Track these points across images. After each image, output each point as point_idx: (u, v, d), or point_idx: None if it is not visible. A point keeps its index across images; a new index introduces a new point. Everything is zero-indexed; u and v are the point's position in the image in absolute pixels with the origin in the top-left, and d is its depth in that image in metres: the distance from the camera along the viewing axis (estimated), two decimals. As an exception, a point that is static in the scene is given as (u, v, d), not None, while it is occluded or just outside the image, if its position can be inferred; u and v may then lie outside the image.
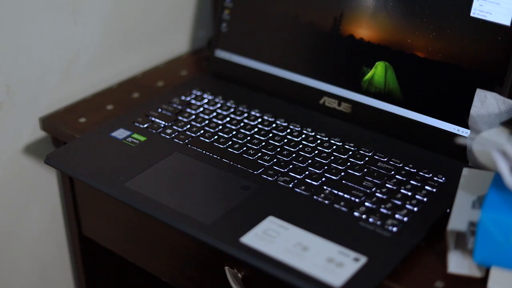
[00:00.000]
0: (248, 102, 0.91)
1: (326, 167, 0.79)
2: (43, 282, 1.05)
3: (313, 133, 0.85)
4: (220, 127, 0.87)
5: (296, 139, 0.84)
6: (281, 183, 0.76)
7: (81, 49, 0.98)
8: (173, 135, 0.85)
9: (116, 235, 0.92)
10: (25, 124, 0.95)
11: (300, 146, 0.83)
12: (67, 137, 0.91)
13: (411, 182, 0.76)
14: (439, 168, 0.78)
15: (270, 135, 0.85)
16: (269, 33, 0.93)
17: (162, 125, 0.87)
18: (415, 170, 0.78)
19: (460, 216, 0.65)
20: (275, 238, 0.68)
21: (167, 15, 1.08)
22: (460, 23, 0.78)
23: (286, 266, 0.65)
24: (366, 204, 0.73)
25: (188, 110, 0.91)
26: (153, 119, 0.89)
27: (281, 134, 0.85)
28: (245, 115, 0.89)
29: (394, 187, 0.75)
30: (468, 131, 0.78)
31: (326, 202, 0.73)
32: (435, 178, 0.76)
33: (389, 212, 0.71)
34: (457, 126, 0.80)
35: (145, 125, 0.87)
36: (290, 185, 0.76)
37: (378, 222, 0.70)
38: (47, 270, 1.05)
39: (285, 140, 0.84)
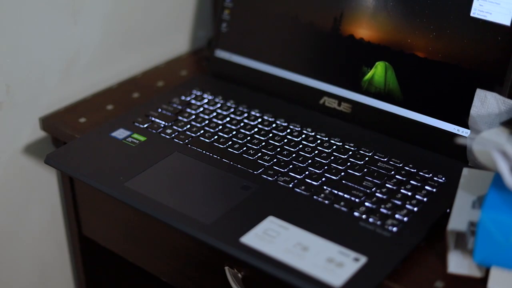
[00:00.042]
0: (248, 102, 0.91)
1: (326, 167, 0.79)
2: (43, 282, 1.05)
3: (313, 133, 0.85)
4: (220, 127, 0.87)
5: (296, 139, 0.84)
6: (281, 183, 0.76)
7: (81, 49, 0.98)
8: (173, 135, 0.85)
9: (116, 235, 0.92)
10: (25, 124, 0.95)
11: (300, 146, 0.83)
12: (67, 137, 0.91)
13: (411, 182, 0.76)
14: (439, 168, 0.78)
15: (270, 135, 0.85)
16: (269, 33, 0.93)
17: (162, 125, 0.87)
18: (415, 170, 0.78)
19: (460, 216, 0.65)
20: (275, 238, 0.68)
21: (167, 15, 1.08)
22: (460, 23, 0.78)
23: (286, 266, 0.65)
24: (366, 204, 0.73)
25: (188, 110, 0.91)
26: (153, 119, 0.89)
27: (281, 134, 0.85)
28: (245, 115, 0.89)
29: (394, 187, 0.75)
30: (468, 131, 0.78)
31: (326, 202, 0.73)
32: (435, 178, 0.76)
33: (389, 212, 0.71)
34: (457, 126, 0.80)
35: (145, 125, 0.87)
36: (290, 185, 0.76)
37: (378, 222, 0.70)
38: (47, 270, 1.05)
39: (285, 140, 0.84)
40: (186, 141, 0.84)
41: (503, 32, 0.76)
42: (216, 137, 0.85)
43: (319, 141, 0.83)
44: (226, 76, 0.97)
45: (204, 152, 0.82)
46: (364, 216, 0.71)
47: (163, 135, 0.86)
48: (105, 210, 0.92)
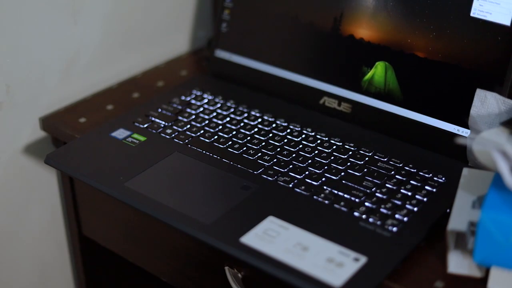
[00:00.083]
0: (248, 102, 0.91)
1: (326, 167, 0.79)
2: (43, 282, 1.05)
3: (313, 133, 0.85)
4: (220, 127, 0.87)
5: (296, 139, 0.84)
6: (281, 183, 0.76)
7: (81, 49, 0.98)
8: (173, 135, 0.85)
9: (116, 235, 0.92)
10: (25, 124, 0.95)
11: (300, 146, 0.83)
12: (67, 137, 0.91)
13: (411, 182, 0.76)
14: (439, 168, 0.78)
15: (270, 135, 0.85)
16: (269, 33, 0.93)
17: (162, 125, 0.87)
18: (415, 170, 0.78)
19: (460, 216, 0.65)
20: (275, 238, 0.68)
21: (167, 15, 1.08)
22: (460, 23, 0.78)
23: (286, 266, 0.65)
24: (366, 204, 0.73)
25: (188, 110, 0.91)
26: (153, 119, 0.89)
27: (281, 134, 0.85)
28: (245, 115, 0.89)
29: (394, 187, 0.75)
30: (468, 131, 0.78)
31: (326, 202, 0.73)
32: (435, 178, 0.76)
33: (389, 212, 0.71)
34: (457, 126, 0.80)
35: (145, 125, 0.87)
36: (290, 185, 0.76)
37: (378, 222, 0.70)
38: (47, 270, 1.05)
39: (285, 140, 0.84)
40: (186, 141, 0.84)
41: (503, 32, 0.76)
42: (216, 137, 0.85)
43: (319, 141, 0.83)
44: (226, 76, 0.97)
45: (204, 152, 0.82)
46: (364, 216, 0.71)
47: (163, 135, 0.86)
48: (105, 210, 0.92)
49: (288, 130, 0.85)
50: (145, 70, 1.06)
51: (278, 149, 0.82)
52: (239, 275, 0.76)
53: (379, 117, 0.85)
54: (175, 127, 0.87)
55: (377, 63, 0.84)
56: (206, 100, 0.93)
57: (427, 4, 0.80)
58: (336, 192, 0.75)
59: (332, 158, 0.80)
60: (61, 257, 1.06)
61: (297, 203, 0.74)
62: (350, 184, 0.76)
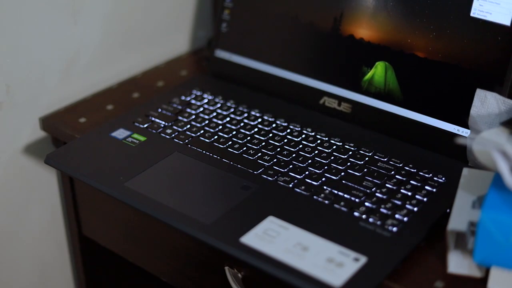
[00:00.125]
0: (248, 102, 0.91)
1: (326, 167, 0.79)
2: (43, 282, 1.05)
3: (313, 133, 0.85)
4: (220, 127, 0.87)
5: (296, 139, 0.84)
6: (281, 183, 0.76)
7: (81, 49, 0.98)
8: (173, 135, 0.85)
9: (116, 235, 0.92)
10: (25, 124, 0.95)
11: (300, 146, 0.83)
12: (67, 137, 0.91)
13: (411, 182, 0.76)
14: (439, 168, 0.78)
15: (270, 135, 0.85)
16: (269, 33, 0.93)
17: (162, 125, 0.87)
18: (415, 170, 0.78)
19: (460, 216, 0.65)
20: (275, 238, 0.68)
21: (167, 15, 1.08)
22: (460, 23, 0.78)
23: (286, 266, 0.65)
24: (366, 204, 0.73)
25: (188, 110, 0.91)
26: (153, 119, 0.89)
27: (281, 134, 0.85)
28: (245, 115, 0.89)
29: (394, 187, 0.75)
30: (468, 131, 0.78)
31: (326, 202, 0.73)
32: (435, 178, 0.76)
33: (389, 212, 0.71)
34: (457, 126, 0.80)
35: (145, 125, 0.87)
36: (290, 185, 0.76)
37: (378, 222, 0.70)
38: (47, 270, 1.05)
39: (285, 140, 0.84)
40: (186, 141, 0.84)
41: (503, 32, 0.76)
42: (216, 137, 0.85)
43: (319, 141, 0.83)
44: (226, 76, 0.97)
45: (204, 152, 0.82)
46: (364, 216, 0.71)
47: (163, 135, 0.86)
48: (105, 210, 0.92)
49: (288, 130, 0.85)
50: (145, 70, 1.06)
51: (278, 149, 0.82)
52: (239, 275, 0.76)
53: (379, 117, 0.85)
54: (175, 127, 0.87)
55: (377, 63, 0.84)
56: (206, 100, 0.93)
57: (427, 4, 0.80)
58: (336, 192, 0.75)
59: (332, 158, 0.80)
60: (61, 257, 1.06)
61: (297, 203, 0.74)
62: (350, 184, 0.76)
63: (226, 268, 0.76)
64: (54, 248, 1.04)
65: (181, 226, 0.71)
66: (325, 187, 0.76)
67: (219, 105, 0.91)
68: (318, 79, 0.89)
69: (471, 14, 0.78)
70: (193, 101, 0.93)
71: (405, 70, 0.83)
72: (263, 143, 0.83)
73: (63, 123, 0.92)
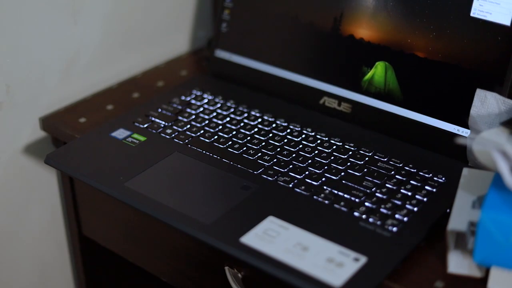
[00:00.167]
0: (248, 102, 0.91)
1: (326, 167, 0.79)
2: (43, 282, 1.05)
3: (313, 133, 0.85)
4: (220, 127, 0.87)
5: (296, 139, 0.84)
6: (281, 183, 0.76)
7: (81, 49, 0.98)
8: (173, 135, 0.85)
9: (116, 235, 0.92)
10: (25, 124, 0.95)
11: (300, 146, 0.83)
12: (67, 137, 0.91)
13: (411, 182, 0.76)
14: (439, 168, 0.78)
15: (270, 135, 0.85)
16: (269, 33, 0.93)
17: (162, 125, 0.87)
18: (415, 170, 0.78)
19: (460, 216, 0.65)
20: (275, 238, 0.68)
21: (167, 15, 1.08)
22: (460, 23, 0.78)
23: (286, 266, 0.65)
24: (366, 204, 0.73)
25: (188, 110, 0.91)
26: (153, 119, 0.89)
27: (281, 134, 0.85)
28: (245, 115, 0.89)
29: (394, 187, 0.75)
30: (468, 131, 0.78)
31: (326, 202, 0.73)
32: (435, 178, 0.76)
33: (389, 212, 0.71)
34: (457, 126, 0.80)
35: (145, 125, 0.87)
36: (290, 185, 0.76)
37: (378, 222, 0.70)
38: (47, 270, 1.05)
39: (285, 140, 0.84)
40: (186, 141, 0.84)
41: (503, 32, 0.76)
42: (216, 137, 0.85)
43: (319, 141, 0.83)
44: (226, 76, 0.97)
45: (204, 152, 0.82)
46: (364, 216, 0.71)
47: (163, 135, 0.86)
48: (105, 210, 0.92)
49: (288, 130, 0.85)
50: (145, 70, 1.06)
51: (278, 149, 0.82)
52: (239, 275, 0.76)
53: (379, 117, 0.85)
54: (175, 127, 0.87)
55: (377, 63, 0.84)
56: (206, 100, 0.93)
57: (427, 4, 0.80)
58: (336, 192, 0.75)
59: (332, 158, 0.80)
60: (61, 257, 1.06)
61: (297, 203, 0.74)
62: (350, 184, 0.76)
63: (226, 268, 0.76)
64: (54, 248, 1.04)
65: (181, 226, 0.71)
66: (325, 187, 0.76)
67: (219, 105, 0.91)
68: (318, 79, 0.89)
69: (471, 14, 0.78)
70: (193, 101, 0.93)
71: (405, 70, 0.83)
72: (263, 143, 0.83)
73: (63, 123, 0.92)
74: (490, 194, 0.63)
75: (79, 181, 0.88)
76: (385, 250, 0.67)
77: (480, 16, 0.77)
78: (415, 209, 0.72)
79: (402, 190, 0.75)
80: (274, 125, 0.87)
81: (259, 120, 0.88)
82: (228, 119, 0.88)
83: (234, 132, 0.86)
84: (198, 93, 0.94)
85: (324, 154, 0.81)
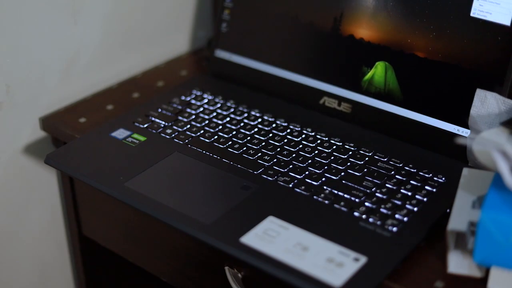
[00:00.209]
0: (248, 102, 0.91)
1: (326, 167, 0.79)
2: (43, 282, 1.05)
3: (313, 133, 0.85)
4: (220, 127, 0.87)
5: (296, 139, 0.84)
6: (281, 183, 0.76)
7: (81, 49, 0.98)
8: (173, 135, 0.85)
9: (116, 235, 0.92)
10: (25, 124, 0.95)
11: (300, 146, 0.83)
12: (67, 137, 0.91)
13: (411, 182, 0.76)
14: (439, 168, 0.78)
15: (270, 135, 0.85)
16: (269, 33, 0.93)
17: (162, 125, 0.87)
18: (415, 170, 0.78)
19: (460, 216, 0.65)
20: (275, 238, 0.68)
21: (167, 15, 1.08)
22: (460, 23, 0.78)
23: (286, 266, 0.65)
24: (366, 204, 0.73)
25: (188, 110, 0.91)
26: (153, 119, 0.89)
27: (281, 134, 0.85)
28: (245, 115, 0.89)
29: (394, 187, 0.75)
30: (468, 131, 0.78)
31: (326, 202, 0.73)
32: (435, 178, 0.76)
33: (389, 212, 0.71)
34: (457, 126, 0.80)
35: (145, 125, 0.87)
36: (290, 185, 0.76)
37: (378, 222, 0.70)
38: (47, 270, 1.05)
39: (285, 140, 0.84)
40: (186, 141, 0.84)
41: (503, 32, 0.76)
42: (216, 137, 0.85)
43: (319, 141, 0.83)
44: (226, 76, 0.97)
45: (204, 152, 0.82)
46: (364, 216, 0.71)
47: (163, 135, 0.86)
48: (105, 210, 0.92)
49: (288, 130, 0.85)
50: (145, 70, 1.06)
51: (278, 149, 0.82)
52: (239, 275, 0.76)
53: (379, 117, 0.85)
54: (175, 127, 0.87)
55: (377, 63, 0.84)
56: (206, 100, 0.93)
57: (427, 4, 0.80)
58: (336, 192, 0.75)
59: (332, 158, 0.80)
60: (61, 257, 1.06)
61: (297, 203, 0.74)
62: (350, 184, 0.76)
63: (226, 268, 0.76)
64: (54, 248, 1.04)
65: (181, 226, 0.71)
66: (325, 187, 0.76)
67: (219, 105, 0.91)
68: (318, 79, 0.89)
69: (471, 14, 0.78)
70: (193, 101, 0.93)
71: (405, 70, 0.83)
72: (263, 143, 0.83)
73: (63, 123, 0.92)
74: (490, 194, 0.63)
75: (79, 181, 0.88)
76: (385, 250, 0.67)
77: (480, 16, 0.77)
78: (415, 209, 0.72)
79: (402, 190, 0.75)
80: (274, 125, 0.87)
81: (259, 120, 0.88)
82: (228, 119, 0.88)
83: (234, 132, 0.86)
84: (198, 93, 0.94)
85: (324, 154, 0.81)
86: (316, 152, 0.81)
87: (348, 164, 0.79)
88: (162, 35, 1.08)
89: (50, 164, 0.82)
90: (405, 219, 0.71)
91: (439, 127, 0.81)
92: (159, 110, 0.91)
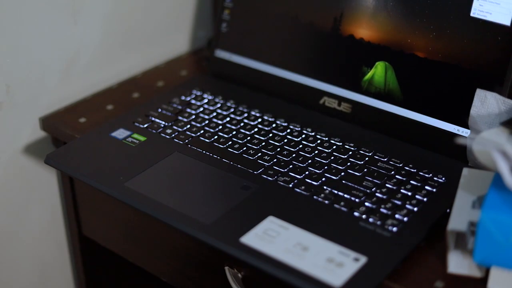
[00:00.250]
0: (248, 102, 0.91)
1: (326, 167, 0.79)
2: (43, 282, 1.05)
3: (313, 133, 0.85)
4: (220, 127, 0.87)
5: (296, 139, 0.84)
6: (281, 183, 0.76)
7: (81, 49, 0.98)
8: (173, 135, 0.85)
9: (116, 235, 0.92)
10: (25, 124, 0.95)
11: (300, 146, 0.83)
12: (67, 137, 0.91)
13: (411, 182, 0.76)
14: (439, 168, 0.78)
15: (270, 135, 0.85)
16: (269, 33, 0.93)
17: (162, 125, 0.87)
18: (415, 170, 0.78)
19: (460, 216, 0.65)
20: (275, 238, 0.68)
21: (167, 15, 1.08)
22: (460, 23, 0.78)
23: (286, 266, 0.65)
24: (366, 204, 0.73)
25: (188, 110, 0.91)
26: (153, 119, 0.89)
27: (281, 134, 0.85)
28: (245, 115, 0.89)
29: (394, 187, 0.75)
30: (468, 131, 0.78)
31: (326, 202, 0.73)
32: (435, 178, 0.76)
33: (389, 212, 0.71)
34: (457, 126, 0.80)
35: (145, 125, 0.87)
36: (290, 185, 0.76)
37: (378, 222, 0.70)
38: (47, 270, 1.05)
39: (285, 140, 0.84)
40: (186, 141, 0.84)
41: (503, 32, 0.76)
42: (216, 137, 0.85)
43: (319, 141, 0.83)
44: (226, 76, 0.97)
45: (204, 152, 0.82)
46: (364, 216, 0.71)
47: (163, 135, 0.86)
48: (105, 210, 0.92)
49: (288, 130, 0.85)
50: (145, 70, 1.06)
51: (278, 149, 0.82)
52: (239, 275, 0.76)
53: (379, 117, 0.85)
54: (175, 127, 0.87)
55: (377, 63, 0.84)
56: (206, 100, 0.93)
57: (427, 4, 0.80)
58: (336, 192, 0.75)
59: (332, 158, 0.80)
60: (61, 257, 1.06)
61: (297, 203, 0.74)
62: (350, 184, 0.76)
63: (226, 268, 0.76)
64: (54, 248, 1.04)
65: (181, 226, 0.71)
66: (325, 187, 0.76)
67: (219, 105, 0.91)
68: (318, 79, 0.89)
69: (471, 14, 0.78)
70: (193, 101, 0.93)
71: (405, 70, 0.83)
72: (263, 143, 0.83)
73: (63, 123, 0.92)
74: (490, 194, 0.63)
75: (79, 181, 0.88)
76: (385, 250, 0.67)
77: (480, 16, 0.77)
78: (415, 209, 0.72)
79: (402, 190, 0.75)
80: (274, 125, 0.87)
81: (259, 120, 0.88)
82: (228, 119, 0.88)
83: (234, 132, 0.86)
84: (198, 93, 0.94)
85: (324, 154, 0.81)
86: (316, 152, 0.81)
87: (348, 164, 0.79)
88: (162, 35, 1.08)
89: (50, 164, 0.82)
90: (405, 219, 0.71)
91: (439, 127, 0.81)
92: (159, 110, 0.91)
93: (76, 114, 0.94)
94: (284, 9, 0.91)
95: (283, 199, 0.74)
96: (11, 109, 0.92)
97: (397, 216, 0.71)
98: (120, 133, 0.86)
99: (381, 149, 0.81)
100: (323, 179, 0.77)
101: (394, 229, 0.69)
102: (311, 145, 0.83)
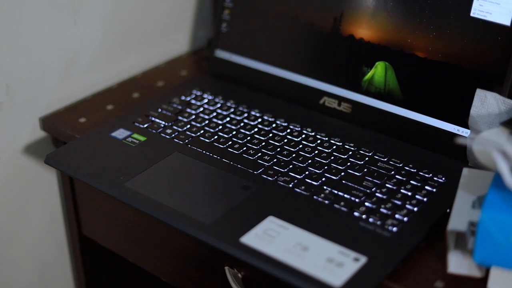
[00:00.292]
0: (248, 102, 0.91)
1: (326, 167, 0.79)
2: (43, 282, 1.05)
3: (313, 133, 0.85)
4: (220, 127, 0.87)
5: (296, 139, 0.84)
6: (281, 183, 0.76)
7: (81, 49, 0.98)
8: (173, 135, 0.85)
9: (116, 235, 0.92)
10: (25, 124, 0.95)
11: (300, 146, 0.83)
12: (67, 137, 0.91)
13: (411, 182, 0.76)
14: (439, 168, 0.78)
15: (270, 135, 0.85)
16: (269, 33, 0.93)
17: (162, 125, 0.87)
18: (415, 170, 0.78)
19: (460, 216, 0.65)
20: (275, 238, 0.68)
21: (167, 15, 1.08)
22: (460, 23, 0.78)
23: (286, 266, 0.65)
24: (366, 204, 0.73)
25: (188, 110, 0.91)
26: (153, 119, 0.89)
27: (281, 134, 0.85)
28: (245, 115, 0.89)
29: (394, 187, 0.75)
30: (468, 131, 0.78)
31: (326, 202, 0.73)
32: (435, 178, 0.76)
33: (389, 212, 0.71)
34: (457, 126, 0.80)
35: (145, 125, 0.87)
36: (290, 185, 0.76)
37: (378, 222, 0.70)
38: (47, 270, 1.05)
39: (285, 140, 0.84)
40: (186, 141, 0.84)
41: (503, 32, 0.76)
42: (216, 137, 0.85)
43: (319, 141, 0.83)
44: (226, 76, 0.97)
45: (204, 152, 0.82)
46: (364, 216, 0.71)
47: (163, 135, 0.86)
48: (105, 210, 0.92)
49: (288, 130, 0.85)
50: (145, 70, 1.06)
51: (278, 149, 0.82)
52: (239, 275, 0.76)
53: (379, 117, 0.85)
54: (175, 127, 0.87)
55: (377, 63, 0.84)
56: (206, 100, 0.93)
57: (427, 4, 0.80)
58: (336, 192, 0.75)
59: (332, 158, 0.80)
60: (61, 257, 1.06)
61: (297, 203, 0.74)
62: (350, 184, 0.76)
63: (226, 268, 0.76)
64: (54, 248, 1.04)
65: (181, 226, 0.71)
66: (325, 187, 0.76)
67: (219, 105, 0.91)
68: (318, 79, 0.89)
69: (471, 14, 0.78)
70: (193, 101, 0.93)
71: (405, 70, 0.83)
72: (263, 143, 0.83)
73: (63, 123, 0.92)
74: (490, 194, 0.63)
75: (79, 181, 0.88)
76: (385, 250, 0.67)
77: (480, 16, 0.77)
78: (415, 209, 0.72)
79: (402, 190, 0.75)
80: (274, 125, 0.87)
81: (259, 120, 0.88)
82: (228, 119, 0.88)
83: (234, 132, 0.86)
84: (198, 93, 0.94)
85: (324, 154, 0.81)
86: (316, 152, 0.81)
87: (348, 164, 0.79)
88: (162, 35, 1.08)
89: (50, 164, 0.82)
90: (405, 219, 0.71)
91: (439, 127, 0.81)
92: (159, 110, 0.91)
93: (76, 114, 0.94)
94: (284, 9, 0.91)
95: (283, 199, 0.74)
96: (11, 109, 0.92)
97: (397, 216, 0.71)
98: (120, 133, 0.86)
99: (381, 149, 0.81)
100: (323, 179, 0.77)
101: (394, 229, 0.69)
102: (311, 145, 0.83)
